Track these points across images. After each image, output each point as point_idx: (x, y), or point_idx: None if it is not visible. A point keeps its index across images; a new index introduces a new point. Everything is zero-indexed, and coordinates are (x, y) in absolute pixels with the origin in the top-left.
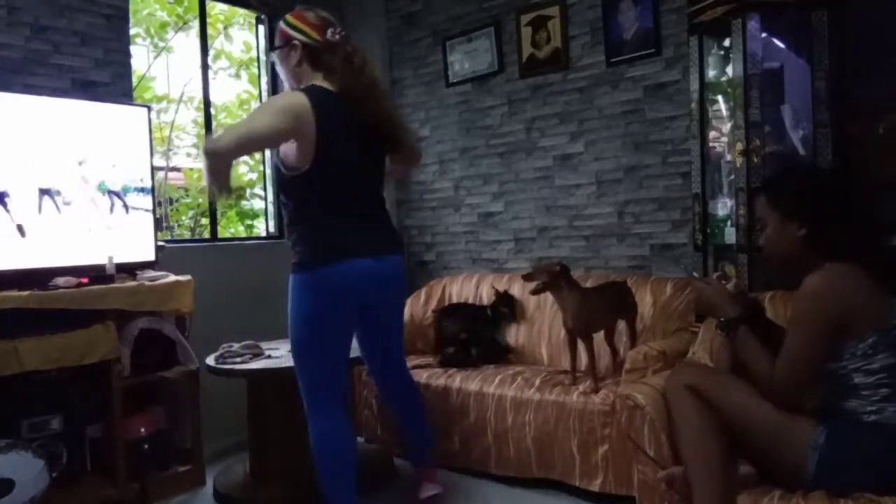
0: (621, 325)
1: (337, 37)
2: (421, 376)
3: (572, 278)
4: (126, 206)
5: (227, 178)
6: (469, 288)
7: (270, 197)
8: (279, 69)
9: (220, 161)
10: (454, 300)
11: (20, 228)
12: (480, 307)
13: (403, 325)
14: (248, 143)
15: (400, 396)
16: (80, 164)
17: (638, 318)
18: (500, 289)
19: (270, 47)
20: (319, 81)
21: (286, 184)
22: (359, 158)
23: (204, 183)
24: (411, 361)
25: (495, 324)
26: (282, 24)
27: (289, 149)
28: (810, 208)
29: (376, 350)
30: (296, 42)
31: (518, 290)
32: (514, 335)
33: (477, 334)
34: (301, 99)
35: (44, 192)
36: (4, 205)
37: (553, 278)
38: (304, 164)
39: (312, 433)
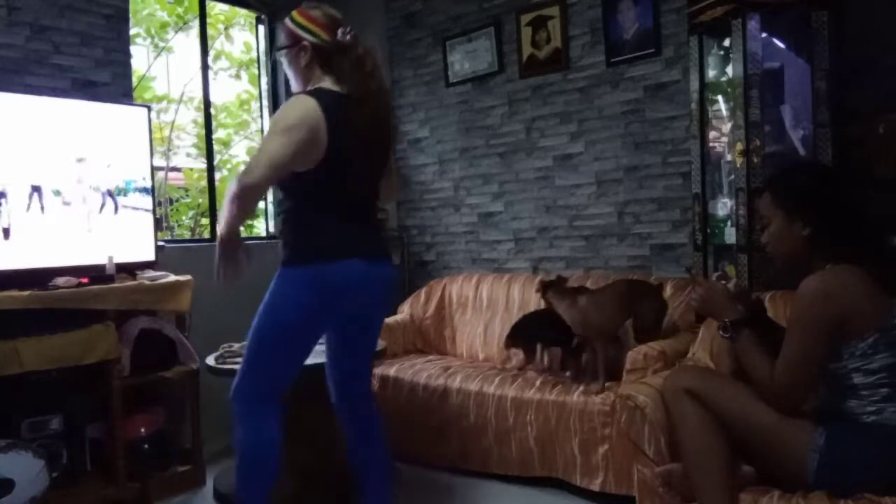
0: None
1: (348, 37)
2: (421, 376)
3: (566, 288)
4: (116, 207)
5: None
6: (469, 288)
7: (270, 197)
8: (286, 69)
9: (253, 194)
10: (454, 300)
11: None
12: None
13: (378, 341)
14: (276, 170)
15: (359, 419)
16: (79, 164)
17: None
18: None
19: (276, 46)
20: (329, 84)
21: (286, 182)
22: (361, 163)
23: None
24: (412, 360)
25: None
26: (288, 22)
27: None
28: (816, 207)
29: (345, 360)
30: (305, 43)
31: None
32: None
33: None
34: (312, 106)
35: (34, 189)
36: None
37: (544, 292)
38: (309, 164)
39: (245, 434)
